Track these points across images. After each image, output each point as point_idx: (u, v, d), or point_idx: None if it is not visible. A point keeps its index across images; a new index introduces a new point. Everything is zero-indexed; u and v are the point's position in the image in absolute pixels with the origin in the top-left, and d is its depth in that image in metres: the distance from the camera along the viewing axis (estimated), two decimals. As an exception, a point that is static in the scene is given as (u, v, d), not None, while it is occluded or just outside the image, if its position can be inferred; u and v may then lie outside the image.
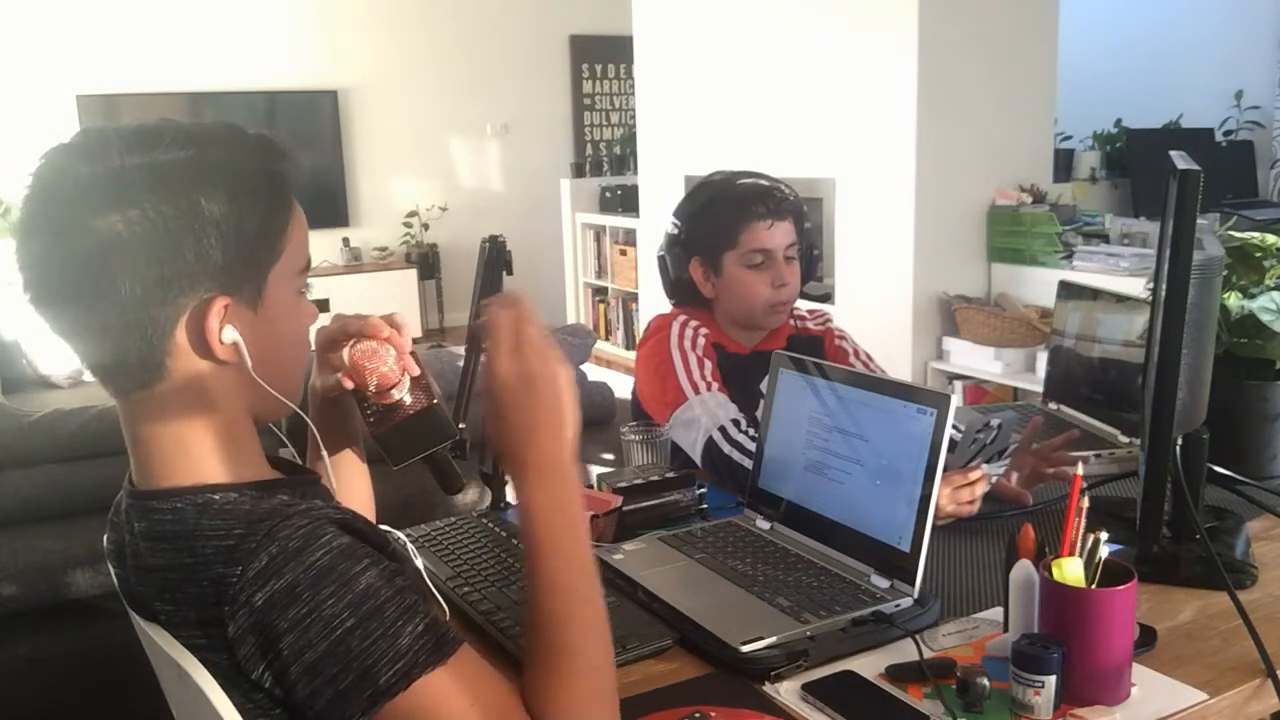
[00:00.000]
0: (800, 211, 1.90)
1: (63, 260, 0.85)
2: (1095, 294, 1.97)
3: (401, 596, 0.82)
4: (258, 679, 0.82)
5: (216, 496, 0.88)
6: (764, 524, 1.42)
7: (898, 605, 1.17)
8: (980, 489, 1.45)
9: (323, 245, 6.57)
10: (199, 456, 0.90)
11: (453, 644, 0.83)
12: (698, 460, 1.73)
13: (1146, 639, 1.10)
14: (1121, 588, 0.98)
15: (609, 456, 2.67)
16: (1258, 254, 1.73)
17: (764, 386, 1.49)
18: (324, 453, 1.06)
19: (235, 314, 0.88)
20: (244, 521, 0.83)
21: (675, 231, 1.93)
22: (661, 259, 1.96)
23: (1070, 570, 1.01)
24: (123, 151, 0.85)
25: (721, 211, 1.87)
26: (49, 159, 0.86)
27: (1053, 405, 2.03)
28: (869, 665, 1.08)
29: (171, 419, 0.90)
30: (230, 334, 0.88)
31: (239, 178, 0.88)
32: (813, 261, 1.96)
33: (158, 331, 0.86)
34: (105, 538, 1.00)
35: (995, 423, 1.55)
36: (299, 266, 0.94)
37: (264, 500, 0.88)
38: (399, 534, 1.23)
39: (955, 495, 1.42)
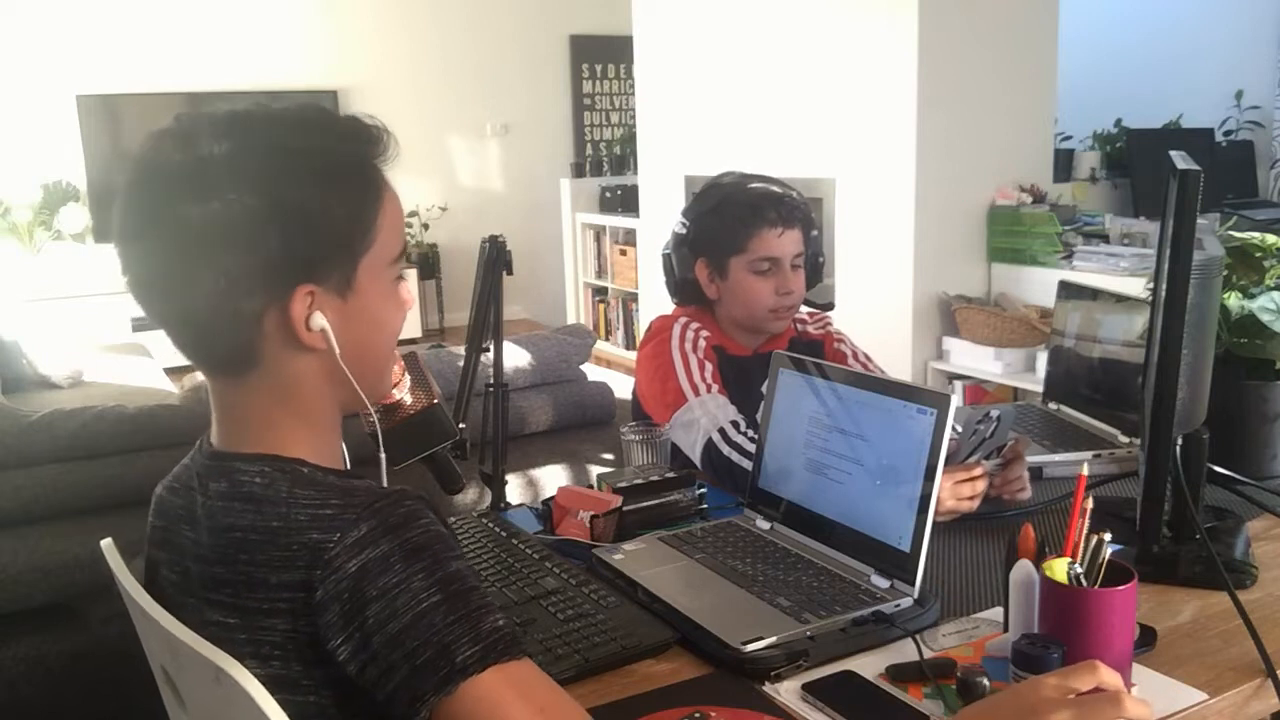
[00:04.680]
0: (809, 219, 1.91)
1: (153, 248, 0.86)
2: (1095, 294, 1.97)
3: (484, 591, 0.84)
4: (333, 649, 0.82)
5: (305, 470, 0.88)
6: (764, 524, 1.42)
7: (898, 605, 1.17)
8: (981, 485, 1.45)
9: (323, 245, 6.56)
10: (289, 436, 0.91)
11: (524, 647, 0.84)
12: (697, 462, 1.73)
13: (1146, 639, 1.10)
14: (1121, 588, 0.98)
15: (609, 456, 2.67)
16: (1258, 254, 1.73)
17: (765, 389, 1.49)
18: (382, 455, 1.05)
19: (323, 302, 0.88)
20: (340, 494, 0.85)
21: (683, 231, 1.92)
22: (667, 257, 1.96)
23: (1058, 570, 1.01)
24: (212, 139, 0.85)
25: (732, 215, 1.86)
26: (146, 145, 0.87)
27: (1053, 405, 2.03)
28: (869, 665, 1.08)
29: (263, 404, 0.91)
30: (319, 321, 0.88)
31: (327, 165, 0.87)
32: (817, 268, 1.96)
33: (245, 321, 0.86)
34: (163, 502, 0.98)
35: (995, 414, 1.55)
36: (393, 254, 0.93)
37: (354, 481, 0.88)
38: None
39: (956, 490, 1.42)
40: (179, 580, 0.93)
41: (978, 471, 1.46)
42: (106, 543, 1.05)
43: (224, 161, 0.84)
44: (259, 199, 0.84)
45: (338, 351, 0.89)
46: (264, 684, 0.82)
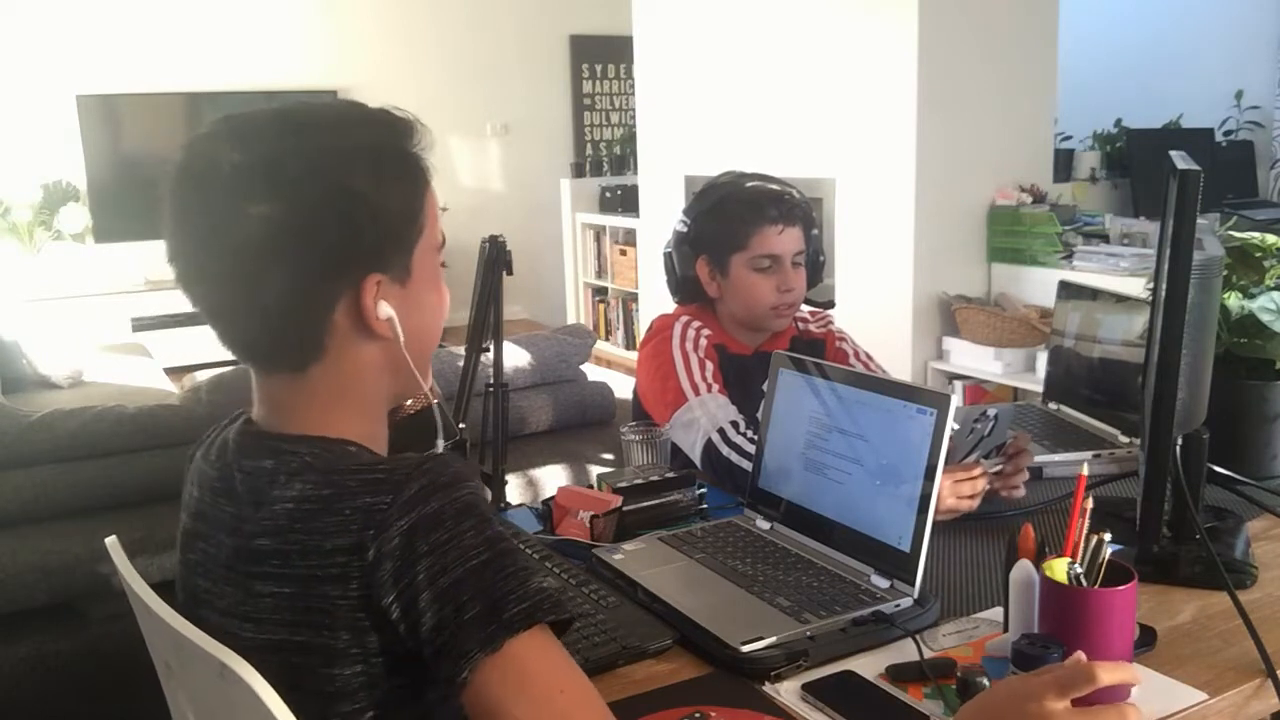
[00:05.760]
0: (809, 217, 1.91)
1: (220, 246, 0.87)
2: (1095, 294, 1.97)
3: (528, 555, 0.85)
4: (386, 607, 0.82)
5: (352, 449, 0.91)
6: (764, 524, 1.42)
7: (898, 605, 1.17)
8: (981, 484, 1.45)
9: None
10: (341, 426, 0.92)
11: (570, 610, 0.85)
12: (697, 462, 1.73)
13: (1146, 639, 1.10)
14: (1121, 588, 0.98)
15: (609, 456, 2.67)
16: (1258, 254, 1.73)
17: (765, 388, 1.49)
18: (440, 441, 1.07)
19: (387, 291, 0.90)
20: (388, 461, 0.87)
21: (684, 229, 1.92)
22: (668, 255, 1.96)
23: (1058, 570, 1.01)
24: (270, 139, 0.87)
25: (733, 213, 1.86)
26: (196, 147, 0.88)
27: (1053, 405, 2.03)
28: (869, 665, 1.09)
29: (319, 396, 0.92)
30: (385, 310, 0.90)
31: (379, 157, 0.90)
32: (818, 267, 1.96)
33: (317, 313, 0.88)
34: (200, 473, 0.98)
35: (992, 413, 1.55)
36: (438, 241, 0.96)
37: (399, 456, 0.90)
38: None
39: (956, 489, 1.42)
40: (214, 553, 0.93)
41: (977, 471, 1.46)
42: (111, 540, 1.05)
43: (286, 159, 0.86)
44: (326, 192, 0.86)
45: (402, 339, 0.91)
46: (311, 654, 0.84)
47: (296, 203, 0.85)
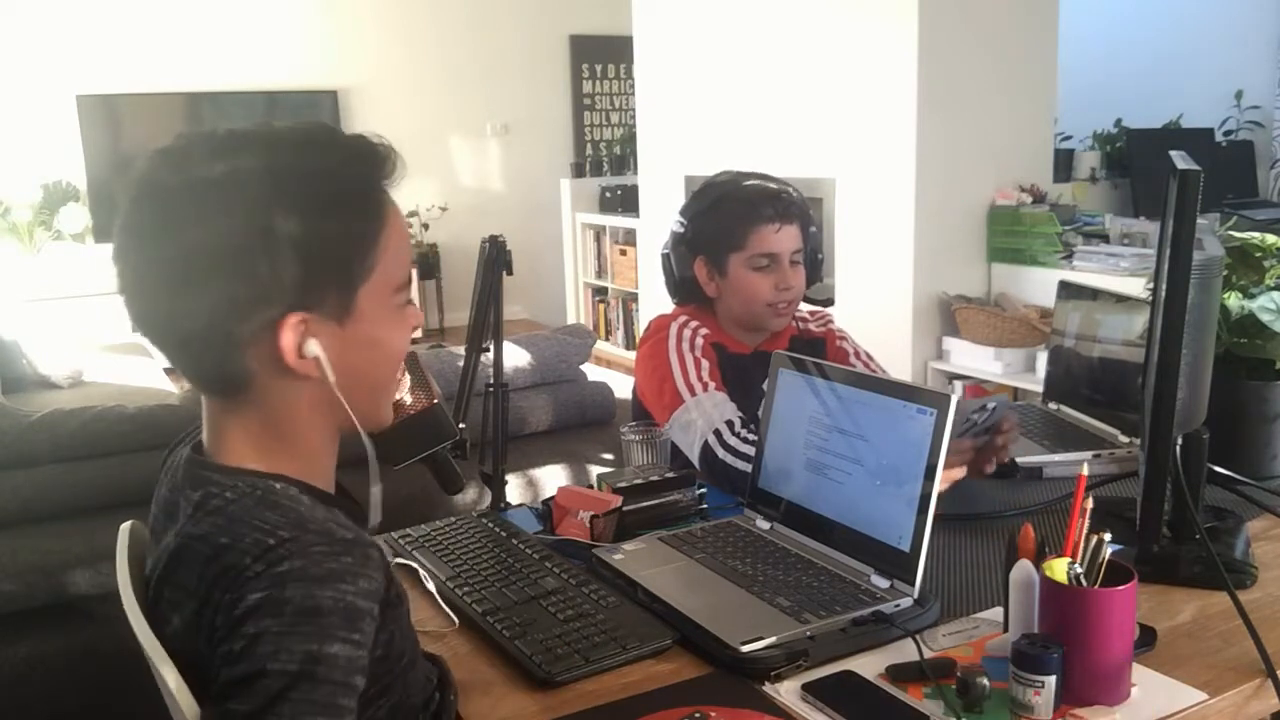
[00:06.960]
0: (807, 215, 1.91)
1: (148, 267, 0.85)
2: (1095, 294, 1.97)
3: (344, 693, 0.78)
4: (211, 655, 0.80)
5: (278, 486, 0.87)
6: (764, 524, 1.42)
7: (898, 605, 1.17)
8: (966, 446, 1.51)
9: (323, 245, 6.56)
10: (276, 458, 0.90)
11: None
12: (696, 463, 1.72)
13: (1146, 639, 1.10)
14: (1121, 588, 0.98)
15: (609, 456, 2.67)
16: (1258, 254, 1.73)
17: (765, 387, 1.49)
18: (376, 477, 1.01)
19: (319, 329, 0.86)
20: (292, 524, 0.82)
21: (681, 230, 1.92)
22: (665, 257, 1.96)
23: (1058, 570, 1.01)
24: (207, 160, 0.84)
25: (729, 212, 1.86)
26: (144, 164, 0.86)
27: (1053, 405, 2.03)
28: (869, 665, 1.09)
29: (251, 427, 0.90)
30: (312, 349, 0.86)
31: (326, 189, 0.86)
32: (816, 265, 1.96)
33: (237, 347, 0.85)
34: (160, 488, 0.99)
35: (991, 405, 1.56)
36: (397, 281, 0.92)
37: (319, 509, 0.86)
38: None
39: (946, 462, 1.46)
40: (152, 570, 0.94)
41: (966, 443, 1.50)
42: (126, 525, 1.05)
43: (217, 185, 0.83)
44: (249, 224, 0.82)
45: (332, 379, 0.87)
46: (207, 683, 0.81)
47: (218, 231, 0.82)
